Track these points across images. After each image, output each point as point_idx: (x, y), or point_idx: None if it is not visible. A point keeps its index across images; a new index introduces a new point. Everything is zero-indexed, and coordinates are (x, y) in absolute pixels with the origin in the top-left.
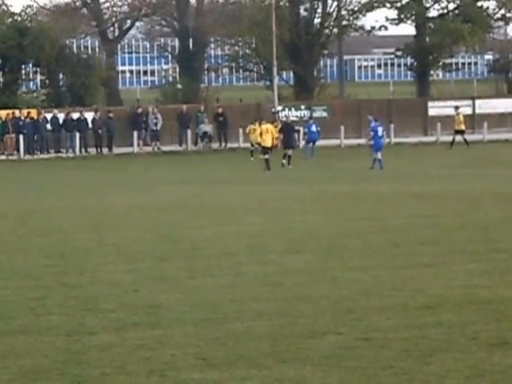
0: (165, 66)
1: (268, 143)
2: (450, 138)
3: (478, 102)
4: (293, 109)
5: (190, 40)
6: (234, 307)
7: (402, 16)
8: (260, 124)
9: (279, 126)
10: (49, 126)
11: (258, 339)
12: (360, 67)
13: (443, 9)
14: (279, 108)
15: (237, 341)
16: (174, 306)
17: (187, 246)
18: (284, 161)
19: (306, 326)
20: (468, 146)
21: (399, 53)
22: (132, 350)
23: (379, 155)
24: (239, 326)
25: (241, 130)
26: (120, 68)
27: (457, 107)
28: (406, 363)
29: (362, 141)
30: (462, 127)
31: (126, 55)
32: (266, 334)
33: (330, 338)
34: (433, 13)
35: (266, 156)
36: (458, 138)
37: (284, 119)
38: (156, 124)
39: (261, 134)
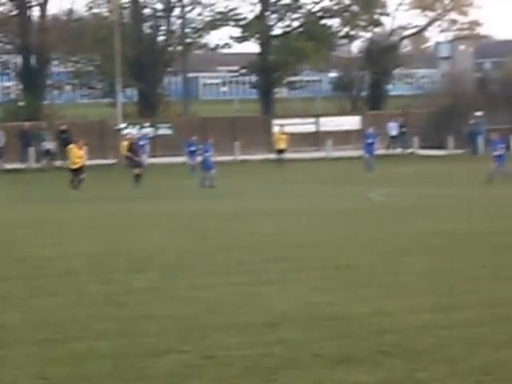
0: (7, 84)
1: (75, 165)
2: (295, 156)
3: (322, 119)
4: (137, 126)
5: (33, 57)
6: (76, 327)
7: (246, 34)
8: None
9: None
10: None
11: (100, 359)
12: (205, 85)
13: (287, 27)
14: (123, 125)
15: (79, 361)
16: (16, 326)
17: (30, 265)
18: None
19: (150, 345)
20: (279, 166)
21: (244, 70)
22: None
23: (210, 173)
24: (81, 345)
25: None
26: None
27: (281, 125)
28: (249, 381)
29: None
30: (282, 146)
31: None
32: (108, 353)
33: (174, 357)
34: (277, 31)
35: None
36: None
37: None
38: None
39: (72, 156)
